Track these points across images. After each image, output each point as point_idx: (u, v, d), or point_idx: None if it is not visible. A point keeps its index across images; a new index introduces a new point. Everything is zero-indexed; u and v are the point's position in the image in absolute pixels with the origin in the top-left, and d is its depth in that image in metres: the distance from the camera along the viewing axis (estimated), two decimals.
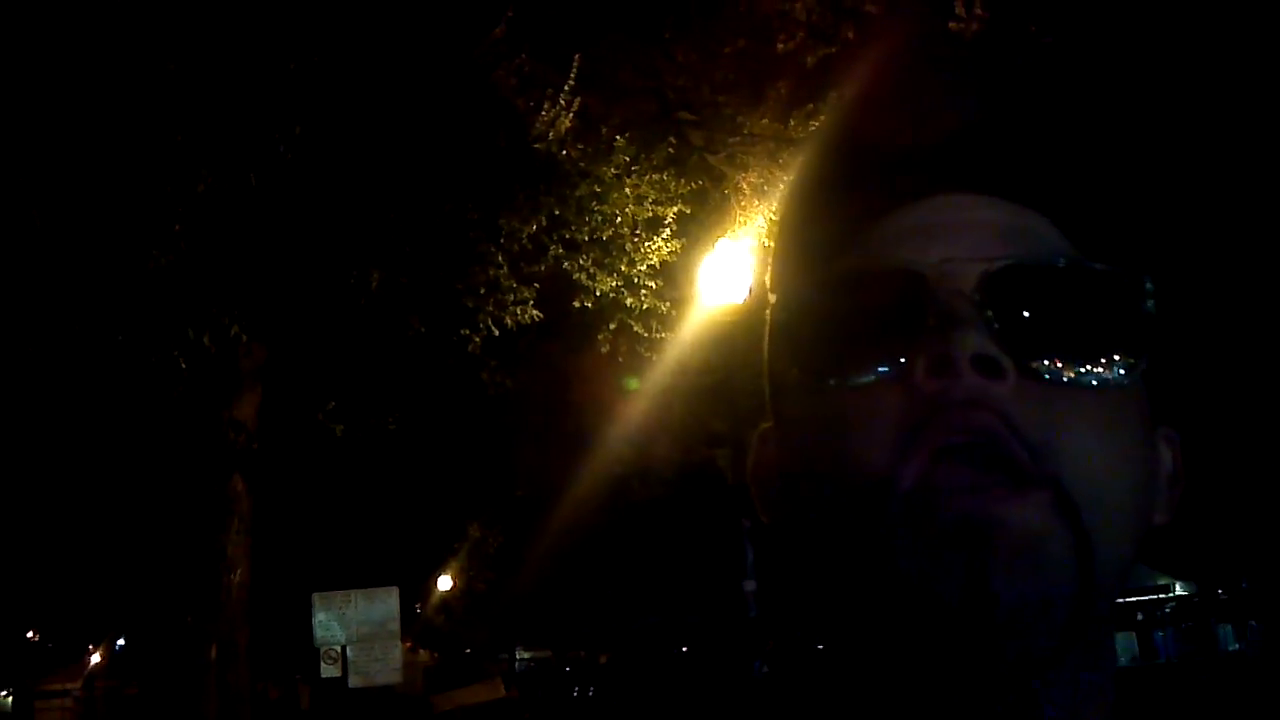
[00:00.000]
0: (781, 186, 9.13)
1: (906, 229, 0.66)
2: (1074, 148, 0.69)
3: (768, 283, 0.75)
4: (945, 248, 0.63)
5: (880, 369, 0.61)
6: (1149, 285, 0.64)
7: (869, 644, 0.63)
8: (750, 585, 14.22)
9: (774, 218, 9.32)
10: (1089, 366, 0.61)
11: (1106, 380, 0.61)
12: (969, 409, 0.58)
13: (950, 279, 0.61)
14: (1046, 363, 0.60)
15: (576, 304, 9.76)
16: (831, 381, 0.63)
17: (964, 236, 0.64)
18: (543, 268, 9.52)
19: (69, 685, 30.42)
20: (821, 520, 0.63)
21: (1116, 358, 0.62)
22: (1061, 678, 0.60)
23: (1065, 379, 0.60)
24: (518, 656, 34.04)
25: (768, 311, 0.72)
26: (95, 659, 31.40)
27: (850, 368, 0.62)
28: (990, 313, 0.60)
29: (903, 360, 0.61)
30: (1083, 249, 0.66)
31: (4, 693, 31.99)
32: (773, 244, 0.77)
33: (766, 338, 0.72)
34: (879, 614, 0.60)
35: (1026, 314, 0.61)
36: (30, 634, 29.36)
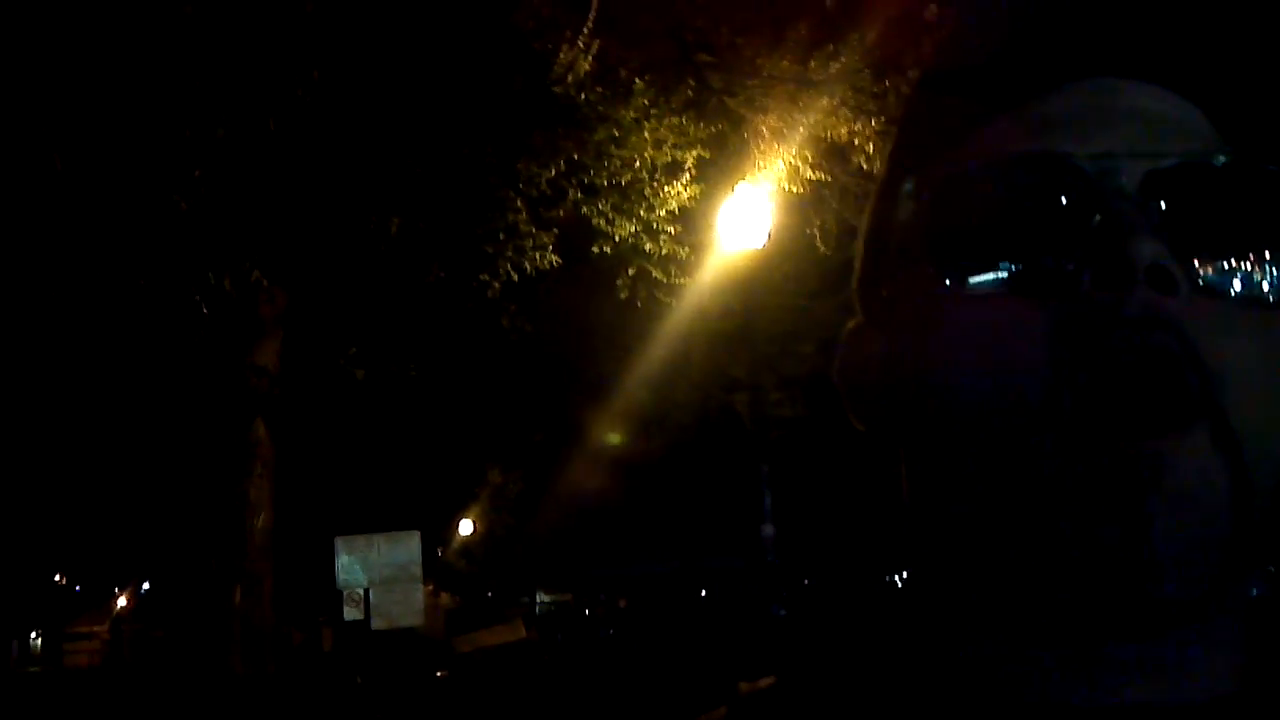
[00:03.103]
0: (801, 130, 9.06)
1: (1057, 115, 0.59)
2: (1245, 33, 0.62)
3: (889, 168, 0.68)
4: (1104, 140, 0.57)
5: (1036, 273, 0.56)
6: None
7: (994, 576, 0.58)
8: (768, 530, 14.27)
9: (794, 162, 9.27)
10: (1264, 284, 0.55)
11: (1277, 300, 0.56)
12: (1145, 327, 0.52)
13: (1112, 175, 0.55)
14: (1219, 276, 0.54)
15: (595, 249, 9.74)
16: (971, 284, 0.57)
17: (1123, 128, 0.58)
18: (561, 213, 9.50)
19: (96, 628, 30.91)
20: (953, 437, 0.57)
21: None
22: (1213, 620, 0.56)
23: (1239, 295, 0.55)
24: (538, 600, 34.32)
25: (875, 202, 0.67)
26: (121, 602, 31.86)
27: (995, 270, 0.57)
28: (1158, 218, 0.54)
29: (1063, 268, 0.55)
30: (1245, 150, 0.59)
31: (34, 634, 32.50)
32: (900, 128, 0.70)
33: (870, 231, 0.67)
34: (1015, 545, 0.55)
35: (1197, 221, 0.55)
36: (57, 578, 29.76)
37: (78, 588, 31.07)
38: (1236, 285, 0.55)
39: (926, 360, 0.59)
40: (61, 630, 30.63)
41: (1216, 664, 0.57)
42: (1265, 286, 0.55)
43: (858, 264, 0.70)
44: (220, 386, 9.96)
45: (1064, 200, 0.56)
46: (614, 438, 19.23)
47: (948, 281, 0.58)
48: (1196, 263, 0.54)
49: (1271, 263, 0.56)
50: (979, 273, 0.57)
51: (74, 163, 7.52)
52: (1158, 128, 0.58)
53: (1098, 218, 0.55)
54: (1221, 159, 0.57)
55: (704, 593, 30.52)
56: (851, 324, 0.70)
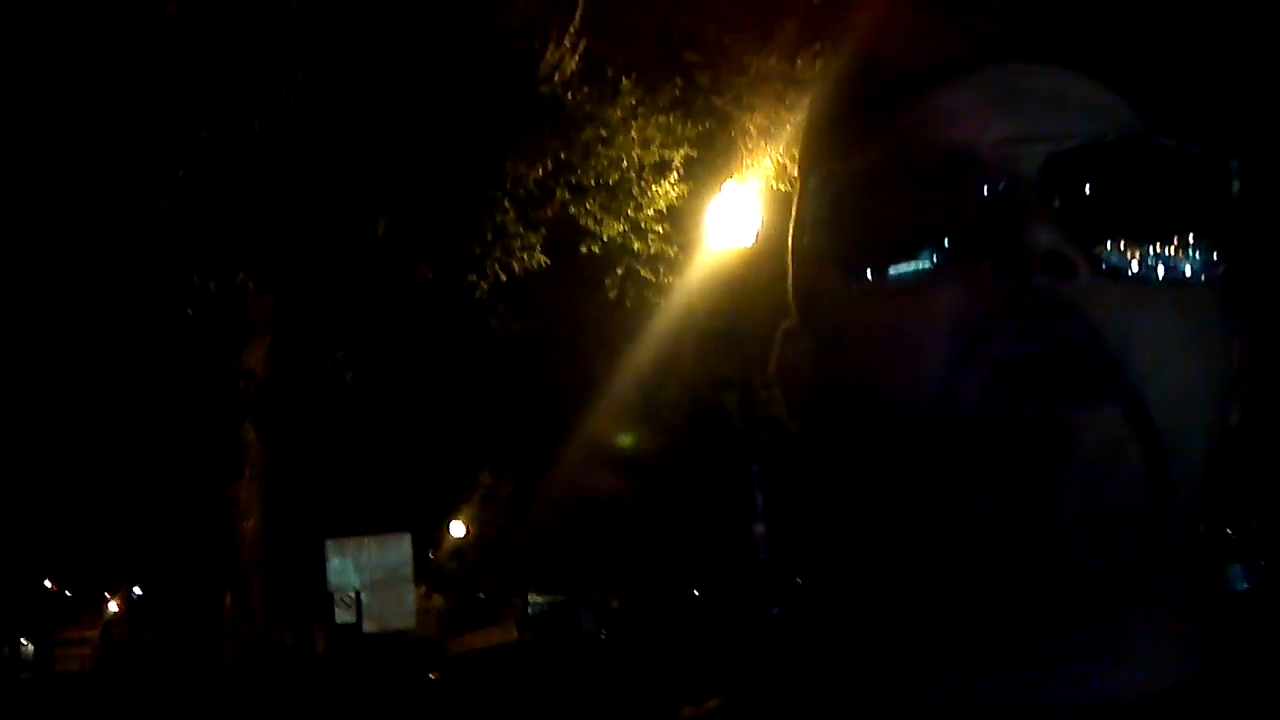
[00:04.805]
0: (789, 128, 9.07)
1: (957, 104, 0.58)
2: (1151, 7, 0.61)
3: (799, 169, 0.68)
4: (1003, 125, 0.56)
5: (934, 267, 0.55)
6: (1234, 167, 0.56)
7: (912, 568, 0.57)
8: (760, 529, 14.30)
9: (782, 160, 9.27)
10: (1169, 262, 0.54)
11: (1188, 276, 0.55)
12: (1041, 314, 0.52)
13: (1011, 162, 0.54)
14: (1122, 258, 0.53)
15: (584, 249, 9.74)
16: (877, 281, 0.57)
17: (1022, 111, 0.57)
18: (549, 212, 9.50)
19: (87, 633, 30.87)
20: (866, 433, 0.57)
21: (1199, 251, 0.55)
22: (1138, 606, 0.55)
23: (1142, 276, 0.54)
24: (530, 601, 34.33)
25: (795, 201, 0.66)
26: (113, 607, 31.80)
27: (898, 265, 0.56)
28: (1058, 202, 0.53)
29: (961, 258, 0.54)
30: (1157, 127, 0.59)
31: (25, 640, 32.44)
32: (804, 128, 0.69)
33: (794, 230, 0.66)
34: (929, 533, 0.54)
35: (1098, 203, 0.54)
36: (48, 584, 29.68)
37: (68, 593, 30.99)
38: (1141, 265, 0.54)
39: (841, 359, 0.59)
40: (53, 636, 30.58)
41: (1152, 656, 0.56)
42: (1173, 265, 0.54)
43: (789, 264, 0.70)
44: (208, 390, 9.95)
45: (963, 191, 0.55)
46: (606, 438, 19.24)
47: (854, 279, 0.58)
48: (1097, 245, 0.53)
49: (1178, 240, 0.55)
50: (883, 269, 0.56)
51: (56, 165, 7.50)
52: (1063, 110, 0.57)
53: (995, 207, 0.54)
54: (1134, 140, 0.56)
55: (696, 592, 30.53)
56: (786, 324, 0.70)
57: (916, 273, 0.55)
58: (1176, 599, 0.57)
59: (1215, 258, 0.55)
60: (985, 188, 0.54)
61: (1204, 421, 0.55)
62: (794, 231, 0.67)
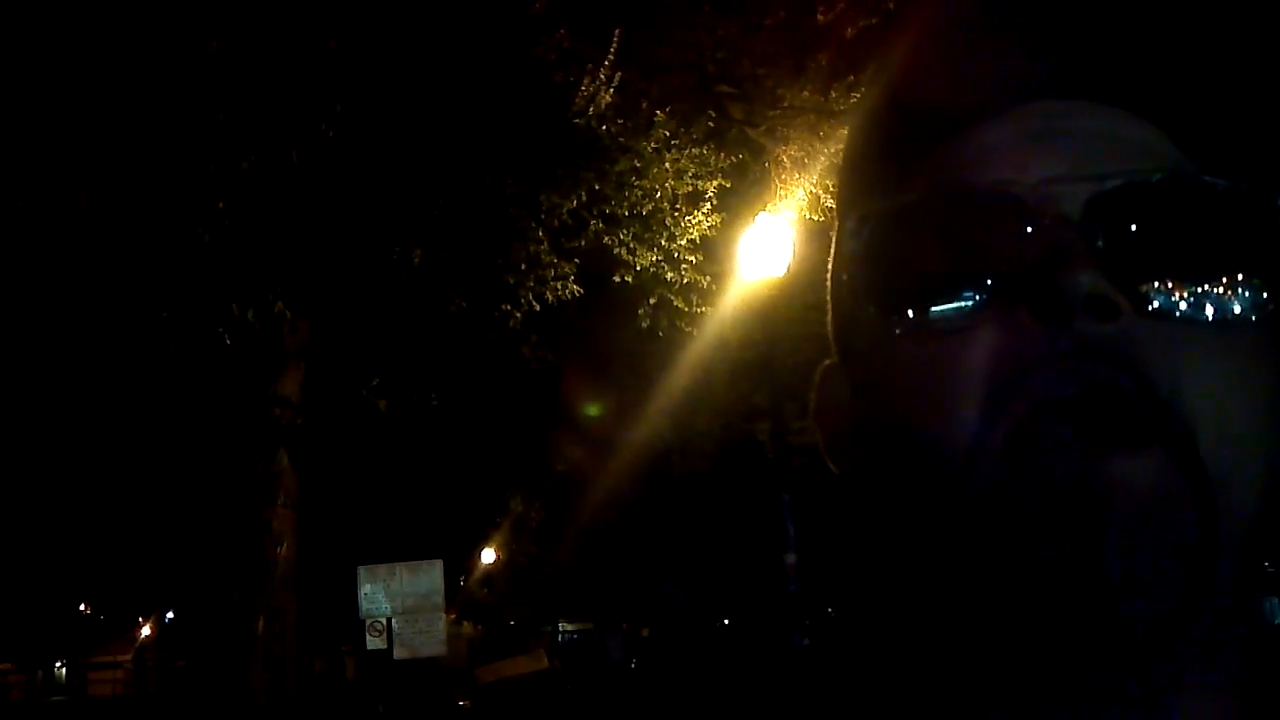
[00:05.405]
0: (822, 159, 9.08)
1: (998, 142, 0.58)
2: (1195, 43, 0.59)
3: (836, 207, 0.68)
4: (1045, 164, 0.55)
5: (974, 309, 0.54)
6: None
7: (952, 615, 0.56)
8: (791, 559, 14.20)
9: (815, 190, 9.28)
10: (1216, 301, 0.53)
11: (1236, 316, 0.53)
12: (1082, 357, 0.50)
13: (1053, 202, 0.53)
14: (1167, 299, 0.52)
15: (617, 279, 9.76)
16: (915, 321, 0.55)
17: (1066, 150, 0.56)
18: (583, 243, 9.53)
19: (120, 657, 30.99)
20: (903, 476, 0.56)
21: (1247, 290, 0.53)
22: (1184, 655, 0.53)
23: (1188, 317, 0.52)
24: (560, 629, 34.23)
25: (834, 238, 0.65)
26: (145, 632, 31.94)
27: (937, 306, 0.55)
28: (1101, 243, 0.52)
29: (1000, 300, 0.53)
30: (1203, 165, 0.57)
31: (58, 664, 32.61)
32: (841, 165, 0.69)
33: (832, 268, 0.65)
34: (969, 582, 0.53)
35: (1142, 242, 0.53)
36: (82, 607, 29.85)
37: (102, 617, 31.14)
38: (1187, 306, 0.52)
39: (877, 399, 0.58)
40: (86, 659, 30.73)
41: (1196, 707, 0.54)
42: (1220, 305, 0.53)
43: (828, 302, 0.69)
44: (244, 417, 10.01)
45: (1004, 231, 0.54)
46: (637, 466, 19.21)
47: (892, 318, 0.57)
48: (1142, 286, 0.52)
49: (1226, 279, 0.54)
50: (922, 309, 0.56)
51: (99, 196, 7.59)
52: (1104, 148, 0.56)
53: (1037, 248, 0.53)
54: (1180, 178, 0.55)
55: (726, 622, 30.38)
56: (826, 363, 0.69)
57: (956, 313, 0.54)
58: (1223, 648, 0.55)
59: (1264, 297, 0.54)
60: (1026, 228, 0.53)
61: (1256, 465, 0.53)
62: (832, 269, 0.66)
